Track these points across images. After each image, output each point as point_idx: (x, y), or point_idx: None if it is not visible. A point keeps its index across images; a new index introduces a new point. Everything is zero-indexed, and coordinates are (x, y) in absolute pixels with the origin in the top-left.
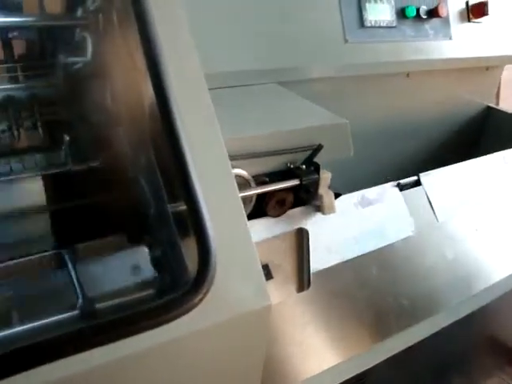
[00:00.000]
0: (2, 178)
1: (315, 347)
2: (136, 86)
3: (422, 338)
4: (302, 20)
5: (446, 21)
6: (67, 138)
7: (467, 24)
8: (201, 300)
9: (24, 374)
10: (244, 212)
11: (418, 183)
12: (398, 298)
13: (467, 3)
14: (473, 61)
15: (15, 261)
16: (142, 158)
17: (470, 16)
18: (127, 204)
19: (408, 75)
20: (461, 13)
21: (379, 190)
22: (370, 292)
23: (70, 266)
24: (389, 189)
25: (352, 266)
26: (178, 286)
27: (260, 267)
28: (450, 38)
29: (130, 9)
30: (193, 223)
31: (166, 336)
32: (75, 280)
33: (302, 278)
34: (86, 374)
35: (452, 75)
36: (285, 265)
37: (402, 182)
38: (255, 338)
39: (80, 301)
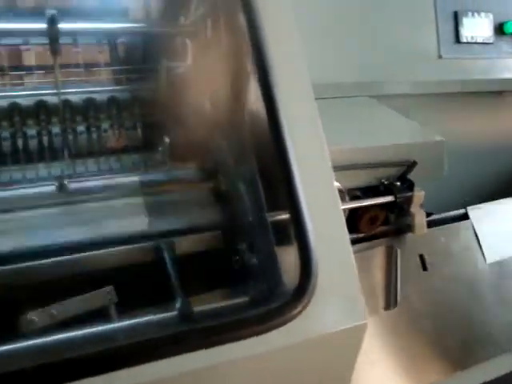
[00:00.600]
0: (104, 176)
1: (394, 368)
2: (238, 93)
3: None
4: (395, 34)
5: None
6: (167, 139)
7: None
8: (300, 312)
9: (119, 372)
10: (345, 226)
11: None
12: (485, 326)
13: None
14: None
15: (112, 249)
16: (242, 165)
17: None
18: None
19: (501, 93)
20: None
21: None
22: (459, 316)
23: (168, 261)
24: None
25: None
26: (273, 295)
27: (359, 283)
28: None
29: (238, 18)
30: (296, 234)
31: (262, 347)
32: (174, 279)
33: (390, 296)
34: (176, 378)
35: None
36: (373, 282)
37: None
38: (347, 355)
39: (179, 302)
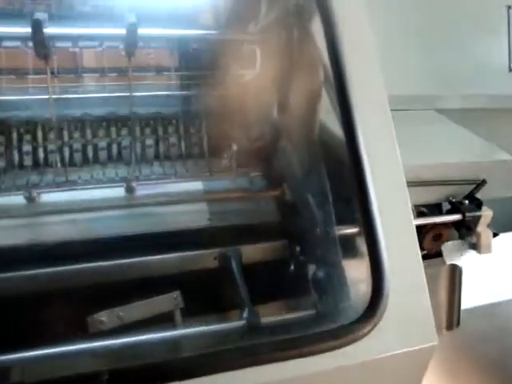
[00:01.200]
0: (170, 180)
1: None
2: (311, 103)
3: None
4: (465, 47)
5: None
6: (234, 146)
7: None
8: (370, 331)
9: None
10: (418, 245)
11: None
12: None
13: None
14: None
15: (179, 254)
16: (312, 176)
17: None
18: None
19: None
20: None
21: None
22: None
23: (235, 269)
24: None
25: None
26: (340, 311)
27: (430, 304)
28: None
29: (312, 26)
30: (369, 250)
31: (332, 363)
32: (241, 288)
33: (452, 315)
34: None
35: None
36: (436, 300)
37: None
38: (414, 375)
39: (246, 312)
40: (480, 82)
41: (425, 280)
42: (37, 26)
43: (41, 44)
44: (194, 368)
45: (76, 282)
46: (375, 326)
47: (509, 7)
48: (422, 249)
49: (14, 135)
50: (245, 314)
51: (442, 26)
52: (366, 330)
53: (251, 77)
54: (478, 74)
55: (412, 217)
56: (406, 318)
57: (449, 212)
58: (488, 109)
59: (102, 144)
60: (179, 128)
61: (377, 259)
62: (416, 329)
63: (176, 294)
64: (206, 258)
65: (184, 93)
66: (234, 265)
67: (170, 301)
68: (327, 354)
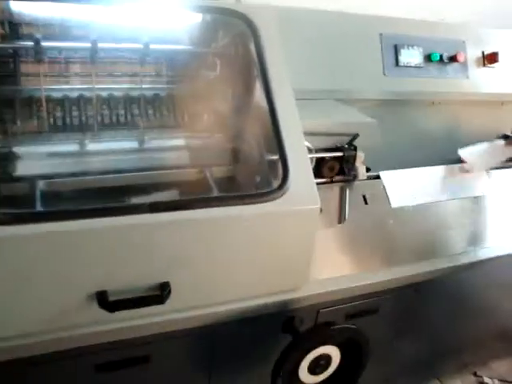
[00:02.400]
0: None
1: (345, 258)
2: (248, 92)
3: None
4: (355, 58)
5: (464, 65)
6: (205, 118)
7: (482, 68)
8: (282, 195)
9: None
10: (308, 158)
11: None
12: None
13: (483, 52)
14: (486, 96)
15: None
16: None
17: (485, 62)
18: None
19: (433, 103)
20: (477, 59)
21: None
22: (385, 231)
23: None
24: None
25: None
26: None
27: (315, 188)
28: (467, 78)
29: (250, 48)
30: (282, 162)
31: (262, 209)
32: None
33: (341, 214)
34: (209, 221)
35: (471, 107)
36: (331, 206)
37: None
38: (307, 230)
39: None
40: (365, 81)
41: (311, 176)
42: (94, 43)
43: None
44: None
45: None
46: (283, 194)
47: (380, 34)
48: (322, 176)
49: (67, 108)
50: None
51: (338, 47)
52: (279, 194)
53: (213, 76)
54: (363, 77)
55: (306, 150)
56: (300, 193)
57: (333, 151)
58: (372, 99)
59: (122, 112)
60: (169, 108)
61: (285, 165)
62: (306, 198)
63: None
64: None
65: (173, 86)
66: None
67: None
68: (260, 205)
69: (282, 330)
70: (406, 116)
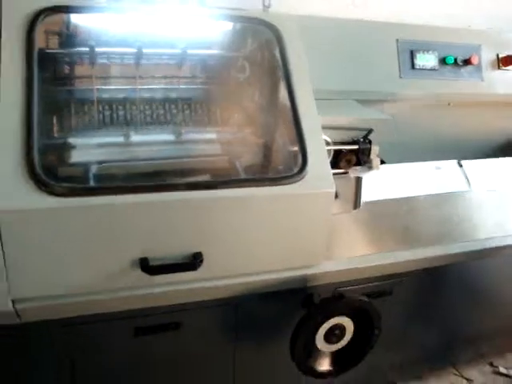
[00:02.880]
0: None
1: (361, 239)
2: (274, 91)
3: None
4: (373, 62)
5: (479, 67)
6: (237, 115)
7: (497, 71)
8: (301, 179)
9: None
10: (325, 149)
11: None
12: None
13: (498, 55)
14: (501, 97)
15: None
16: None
17: (500, 65)
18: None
19: (449, 104)
20: (492, 62)
21: None
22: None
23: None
24: None
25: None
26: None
27: (331, 172)
28: (482, 80)
29: (275, 53)
30: (301, 152)
31: (284, 190)
32: None
33: (356, 202)
34: (236, 199)
35: (489, 108)
36: (347, 194)
37: None
38: (324, 210)
39: None
40: (383, 83)
41: (328, 164)
42: (139, 49)
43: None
44: None
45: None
46: (302, 178)
47: (397, 40)
48: (339, 168)
49: (114, 106)
50: None
51: (361, 50)
52: (300, 176)
53: (243, 78)
54: (381, 79)
55: (324, 143)
56: (317, 178)
57: (350, 144)
58: (385, 100)
59: (161, 111)
60: (203, 106)
61: (304, 155)
62: (322, 182)
63: None
64: None
65: (207, 87)
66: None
67: None
68: (282, 187)
69: (301, 305)
70: (421, 116)
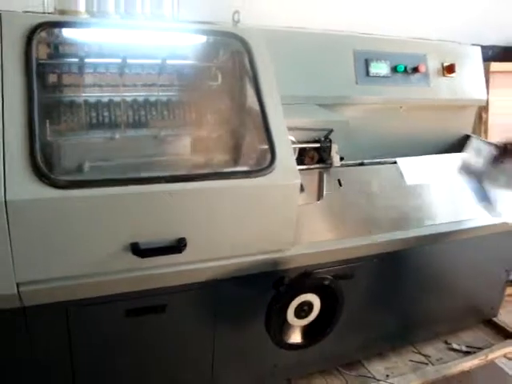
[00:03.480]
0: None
1: (326, 226)
2: (242, 97)
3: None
4: (332, 70)
5: (426, 75)
6: (209, 117)
7: (442, 77)
8: (269, 172)
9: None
10: (291, 147)
11: None
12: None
13: (442, 64)
14: (445, 101)
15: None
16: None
17: (444, 72)
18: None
19: (401, 107)
20: (438, 70)
21: None
22: (358, 208)
23: None
24: None
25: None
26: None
27: (296, 166)
28: (429, 86)
29: (245, 62)
30: (269, 146)
31: (254, 182)
32: None
33: (319, 193)
34: (213, 190)
35: (436, 111)
36: (311, 188)
37: None
38: (291, 200)
39: None
40: (341, 89)
41: (294, 160)
42: (124, 59)
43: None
44: None
45: None
46: (271, 171)
47: (354, 50)
48: (304, 164)
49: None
50: None
51: (319, 59)
52: (269, 170)
53: (215, 85)
54: (339, 85)
55: (290, 141)
56: (284, 171)
57: (312, 143)
58: (347, 104)
59: (143, 113)
60: (180, 109)
61: (273, 152)
62: (288, 175)
63: None
64: None
65: (183, 93)
66: None
67: None
68: (253, 179)
69: (272, 286)
70: (375, 118)
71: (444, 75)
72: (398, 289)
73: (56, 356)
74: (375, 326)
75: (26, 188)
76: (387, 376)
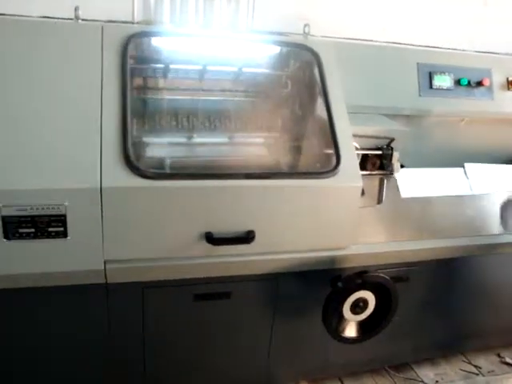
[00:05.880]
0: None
1: (382, 229)
2: (312, 106)
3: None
4: (396, 82)
5: (490, 88)
6: (279, 122)
7: (507, 92)
8: (334, 175)
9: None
10: (355, 153)
11: None
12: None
13: (507, 78)
14: (509, 115)
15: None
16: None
17: (509, 86)
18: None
19: (463, 120)
20: (502, 84)
21: None
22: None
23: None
24: None
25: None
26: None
27: (359, 169)
28: (492, 99)
29: (314, 71)
30: (336, 154)
31: (319, 183)
32: None
33: (380, 198)
34: (282, 188)
35: (498, 126)
36: (372, 192)
37: None
38: (352, 201)
39: None
40: (405, 100)
41: (357, 165)
42: (204, 66)
43: (204, 73)
44: None
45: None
46: (335, 174)
47: (417, 63)
48: (366, 170)
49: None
50: None
51: (384, 71)
52: (334, 172)
53: (285, 92)
54: (404, 96)
55: (354, 148)
56: (347, 175)
57: (375, 150)
58: (407, 115)
59: (219, 117)
60: (253, 114)
61: (338, 156)
62: (351, 178)
63: None
64: None
65: (255, 99)
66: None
67: None
68: (318, 180)
69: (330, 284)
70: (437, 130)
71: (509, 89)
72: (453, 296)
73: (130, 331)
74: (427, 330)
75: (118, 177)
76: (436, 382)
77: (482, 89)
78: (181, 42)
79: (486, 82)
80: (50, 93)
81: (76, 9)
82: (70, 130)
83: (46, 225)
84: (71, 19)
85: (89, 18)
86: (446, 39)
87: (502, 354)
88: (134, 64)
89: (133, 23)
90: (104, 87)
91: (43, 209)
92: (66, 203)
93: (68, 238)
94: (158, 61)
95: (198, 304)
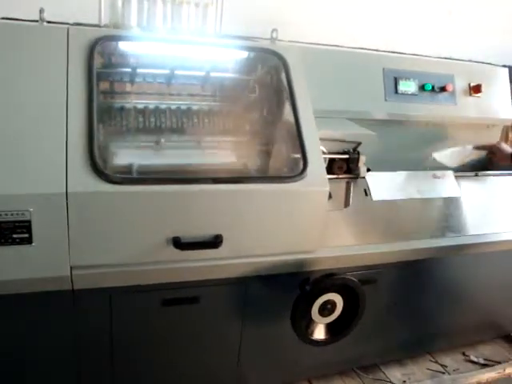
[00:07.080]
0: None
1: (350, 232)
2: (280, 108)
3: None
4: (362, 87)
5: (453, 94)
6: (247, 127)
7: (469, 97)
8: (301, 179)
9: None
10: (322, 157)
11: None
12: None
13: (469, 84)
14: (471, 119)
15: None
16: (280, 137)
17: (471, 92)
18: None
19: (427, 124)
20: (464, 90)
21: None
22: (382, 213)
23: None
24: None
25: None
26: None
27: (326, 174)
28: (455, 104)
29: (281, 76)
30: (303, 159)
31: (286, 187)
32: None
33: (347, 200)
34: (249, 192)
35: (461, 129)
36: (339, 196)
37: None
38: (319, 205)
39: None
40: (371, 105)
41: (324, 169)
42: (172, 71)
43: (171, 78)
44: None
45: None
46: (302, 178)
47: (383, 68)
48: (333, 173)
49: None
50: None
51: (351, 76)
52: (301, 177)
53: (253, 97)
54: (369, 101)
55: (321, 152)
56: (314, 179)
57: (341, 154)
58: (376, 119)
59: (185, 121)
60: (220, 118)
61: (305, 161)
62: (318, 182)
63: None
64: None
65: (222, 103)
66: None
67: None
68: (285, 184)
69: (299, 287)
70: (402, 134)
71: (470, 95)
72: (420, 298)
73: (98, 338)
74: (394, 332)
75: (84, 182)
76: (404, 382)
77: (445, 94)
78: (148, 46)
79: (450, 88)
80: (13, 97)
81: (41, 11)
82: (35, 135)
83: (11, 231)
84: (36, 21)
85: (54, 21)
86: (411, 46)
87: (466, 353)
88: (101, 68)
89: (100, 26)
90: (70, 91)
91: (7, 215)
92: (31, 209)
93: (33, 244)
94: (125, 65)
95: (167, 309)
